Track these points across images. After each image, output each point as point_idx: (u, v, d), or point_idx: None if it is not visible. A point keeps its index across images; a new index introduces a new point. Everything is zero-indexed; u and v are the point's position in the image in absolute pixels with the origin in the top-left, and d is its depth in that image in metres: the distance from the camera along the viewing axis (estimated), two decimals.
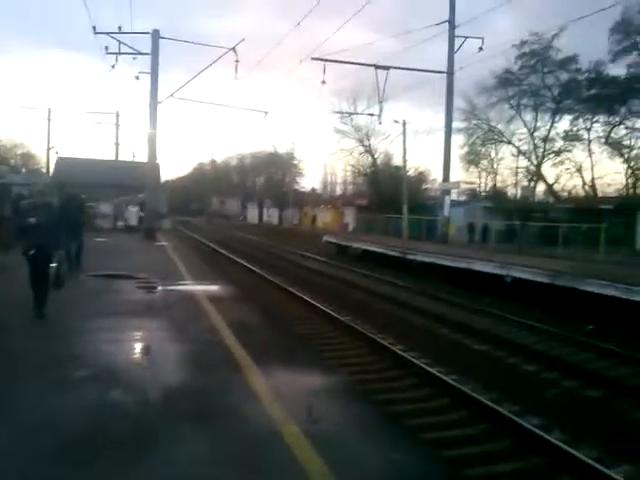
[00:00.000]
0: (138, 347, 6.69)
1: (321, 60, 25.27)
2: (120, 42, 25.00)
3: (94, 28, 24.23)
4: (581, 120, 48.02)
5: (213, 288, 11.91)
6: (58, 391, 4.86)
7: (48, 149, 46.71)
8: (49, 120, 46.01)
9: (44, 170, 48.85)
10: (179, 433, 4.10)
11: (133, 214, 29.86)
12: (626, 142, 45.85)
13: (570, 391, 7.42)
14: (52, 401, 4.66)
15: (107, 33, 24.72)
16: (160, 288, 11.27)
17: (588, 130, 48.17)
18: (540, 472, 4.94)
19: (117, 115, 48.15)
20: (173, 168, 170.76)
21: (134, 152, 58.28)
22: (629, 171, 46.38)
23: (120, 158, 49.21)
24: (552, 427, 6.00)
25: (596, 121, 47.17)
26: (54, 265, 7.89)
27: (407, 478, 3.68)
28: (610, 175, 50.27)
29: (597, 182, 49.07)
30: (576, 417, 6.38)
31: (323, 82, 25.54)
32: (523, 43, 44.10)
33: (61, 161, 41.66)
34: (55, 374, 5.32)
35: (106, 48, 24.98)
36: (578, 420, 6.27)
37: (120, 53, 25.39)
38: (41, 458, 3.63)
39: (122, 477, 3.43)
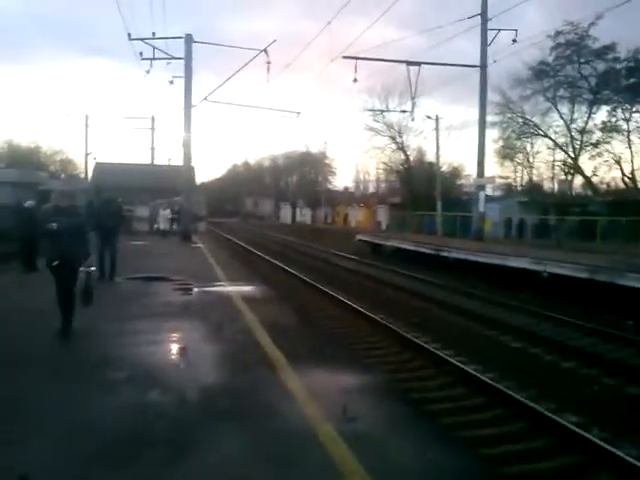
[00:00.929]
0: (175, 348, 6.82)
1: (352, 58, 25.24)
2: (154, 47, 25.45)
3: (129, 35, 24.72)
4: (620, 110, 46.75)
5: (248, 289, 12.04)
6: (99, 392, 4.99)
7: (86, 155, 47.88)
8: (87, 126, 47.14)
9: (82, 175, 50.07)
10: (215, 432, 4.18)
11: (163, 218, 28.94)
12: None
13: (610, 388, 7.27)
14: (94, 402, 4.80)
15: (141, 39, 25.19)
16: (196, 290, 11.44)
17: (627, 120, 46.89)
18: (576, 470, 4.87)
19: (152, 120, 48.99)
20: (208, 170, 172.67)
21: (169, 156, 59.40)
22: None
23: (156, 162, 50.06)
24: (591, 425, 5.91)
25: (635, 111, 45.87)
26: (82, 276, 7.06)
27: (442, 476, 3.67)
28: None
29: (637, 174, 47.73)
30: (616, 414, 6.26)
31: (355, 80, 25.53)
32: (558, 33, 43.16)
33: (99, 166, 42.63)
34: (94, 376, 5.47)
35: (141, 54, 25.45)
36: (618, 417, 6.15)
37: (154, 58, 25.84)
38: (85, 456, 3.75)
39: (162, 476, 3.51)
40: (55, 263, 6.82)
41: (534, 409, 6.05)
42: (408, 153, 52.91)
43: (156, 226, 28.83)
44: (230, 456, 3.82)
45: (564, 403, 6.56)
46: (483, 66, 27.05)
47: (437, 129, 37.01)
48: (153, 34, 25.27)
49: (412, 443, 4.17)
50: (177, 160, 49.04)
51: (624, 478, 4.67)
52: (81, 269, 7.04)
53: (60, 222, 6.72)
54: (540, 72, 46.85)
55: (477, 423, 5.91)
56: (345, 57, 25.22)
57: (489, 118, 36.97)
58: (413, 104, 29.14)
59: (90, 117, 48.17)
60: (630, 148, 47.34)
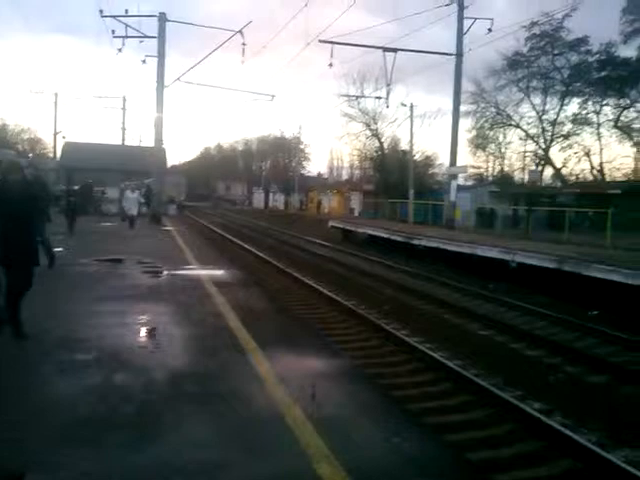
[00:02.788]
0: (143, 331, 6.74)
1: (329, 42, 25.05)
2: (127, 25, 24.93)
3: (101, 11, 24.18)
4: (590, 103, 47.53)
5: (218, 273, 11.96)
6: (63, 374, 4.91)
7: (55, 134, 46.79)
8: (56, 105, 46.04)
9: (51, 155, 48.97)
10: (183, 416, 4.15)
11: (131, 201, 22.62)
12: (636, 125, 45.38)
13: (573, 376, 7.44)
14: (57, 384, 4.72)
15: (113, 16, 24.64)
16: (165, 273, 11.33)
17: (597, 113, 47.70)
18: (539, 456, 4.97)
19: (124, 99, 48.19)
20: (180, 153, 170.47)
21: (141, 137, 58.55)
22: (638, 155, 46.00)
23: (127, 143, 49.26)
24: (554, 411, 6.05)
25: (606, 104, 46.70)
26: None
27: (409, 460, 3.71)
28: (619, 159, 49.91)
29: (605, 166, 48.70)
30: (578, 401, 6.41)
31: (330, 65, 25.33)
32: (533, 24, 43.51)
33: (68, 146, 41.78)
34: (60, 357, 5.37)
35: (112, 32, 24.92)
36: (580, 404, 6.30)
37: (127, 37, 25.32)
38: (49, 437, 3.69)
39: (126, 459, 3.47)
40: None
41: (500, 396, 6.15)
42: (382, 140, 53.01)
43: (124, 211, 23.31)
44: (197, 440, 3.80)
45: (529, 390, 6.69)
46: (459, 54, 27.14)
47: (411, 117, 37.11)
48: (126, 11, 24.80)
49: (379, 428, 4.20)
50: (148, 141, 48.38)
51: (584, 463, 4.78)
52: None
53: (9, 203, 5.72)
54: (514, 62, 47.27)
55: (444, 409, 5.99)
56: (321, 41, 25.01)
57: (463, 107, 37.26)
58: (388, 91, 29.14)
59: (60, 95, 47.14)
60: (599, 140, 48.24)
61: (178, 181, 51.74)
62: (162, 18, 25.90)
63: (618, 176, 46.75)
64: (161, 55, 26.16)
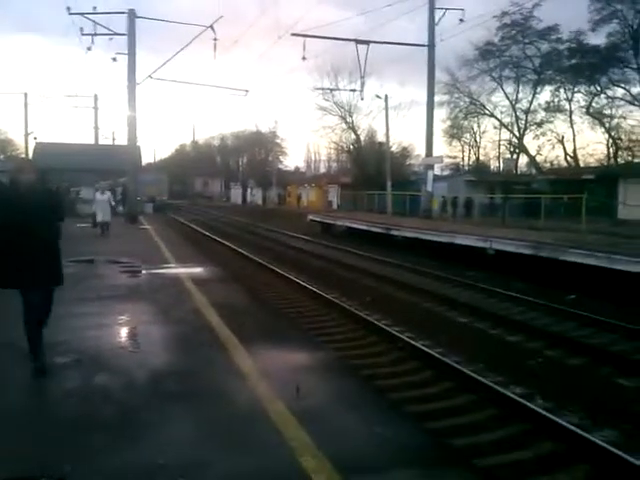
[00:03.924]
0: (123, 331, 6.68)
1: (301, 36, 25.03)
2: (95, 23, 24.59)
3: (68, 8, 23.78)
4: (562, 91, 48.29)
5: (198, 270, 11.88)
6: (41, 378, 4.84)
7: (26, 134, 45.99)
8: (26, 105, 45.27)
9: (23, 156, 48.11)
10: (165, 414, 4.12)
11: (102, 204, 19.30)
12: (607, 112, 46.24)
13: (552, 360, 7.54)
14: (37, 387, 4.66)
15: (81, 14, 24.28)
16: (144, 272, 11.22)
17: (569, 101, 48.45)
18: (521, 439, 5.03)
19: (95, 98, 47.46)
20: (155, 150, 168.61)
21: (114, 135, 57.60)
22: (610, 141, 46.79)
23: (100, 142, 48.60)
24: (534, 395, 6.13)
25: (577, 91, 47.46)
26: None
27: (392, 449, 3.73)
28: (592, 145, 50.77)
29: (579, 153, 49.55)
30: (558, 384, 6.50)
31: (304, 58, 25.33)
32: (504, 14, 43.91)
33: (40, 146, 41.08)
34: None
35: (81, 29, 24.56)
36: (560, 387, 6.40)
37: (96, 34, 25.02)
38: (30, 440, 3.64)
39: (108, 459, 3.44)
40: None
41: (481, 382, 6.21)
42: (358, 133, 53.18)
43: (94, 215, 19.77)
44: (181, 438, 3.78)
45: (509, 376, 6.77)
46: (431, 45, 27.27)
47: (386, 109, 37.24)
48: (94, 8, 24.42)
49: (362, 418, 4.22)
50: (122, 140, 47.79)
51: (566, 445, 4.86)
52: None
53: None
54: (486, 52, 47.69)
55: (426, 397, 6.03)
56: (293, 34, 25.02)
57: (437, 98, 37.52)
58: (362, 83, 29.26)
59: (29, 95, 46.33)
60: (572, 128, 49.02)
61: (159, 179, 50.70)
62: (131, 15, 25.58)
63: (591, 162, 47.60)
64: (131, 52, 25.84)
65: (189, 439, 3.77)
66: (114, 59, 26.24)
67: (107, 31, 25.29)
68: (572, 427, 5.04)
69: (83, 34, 24.79)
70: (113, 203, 20.79)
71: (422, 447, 3.90)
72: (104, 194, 19.64)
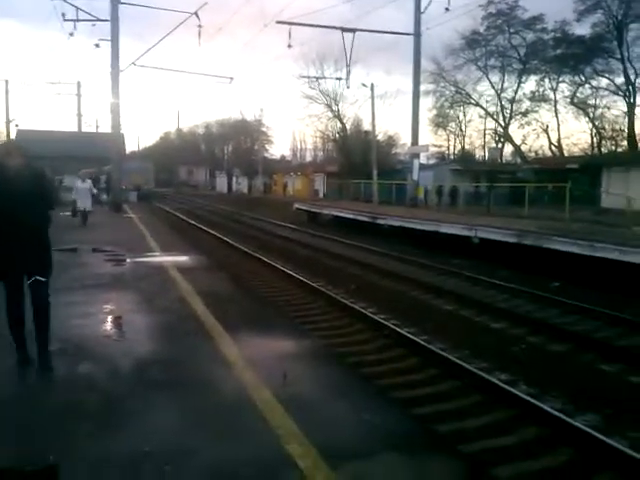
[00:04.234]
0: (107, 320, 6.62)
1: (286, 23, 24.82)
2: (77, 8, 24.20)
3: None
4: (547, 80, 48.53)
5: (183, 259, 11.81)
6: (26, 366, 4.79)
7: (8, 122, 45.26)
8: (7, 92, 44.52)
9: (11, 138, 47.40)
10: (150, 403, 4.10)
11: (82, 192, 18.10)
12: (591, 102, 46.59)
13: (536, 346, 7.61)
14: (21, 376, 4.61)
15: None
16: (129, 260, 11.14)
17: (554, 90, 48.71)
18: (505, 425, 5.08)
19: (78, 85, 46.85)
20: (139, 138, 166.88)
21: (97, 123, 56.90)
22: (594, 130, 47.15)
23: (83, 129, 48.02)
24: (519, 381, 6.20)
25: (562, 81, 47.73)
26: None
27: (379, 435, 3.74)
28: (576, 135, 51.17)
29: (563, 142, 49.89)
30: (542, 371, 6.57)
31: (289, 46, 25.13)
32: (489, 3, 43.97)
33: (21, 134, 40.55)
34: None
35: (63, 15, 24.15)
36: (543, 373, 6.46)
37: (78, 20, 24.66)
38: (13, 428, 3.61)
39: (93, 447, 3.41)
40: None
41: (466, 368, 6.26)
42: (344, 121, 53.01)
43: (74, 203, 18.42)
44: (166, 426, 3.76)
45: (494, 362, 6.83)
46: (417, 34, 27.20)
47: (372, 97, 37.09)
48: None
49: (349, 405, 4.22)
50: (105, 127, 47.22)
51: (549, 429, 4.91)
52: None
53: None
54: (472, 41, 47.74)
55: (412, 384, 6.06)
56: (279, 22, 24.81)
57: (423, 87, 37.53)
58: (348, 71, 29.09)
59: (10, 82, 45.56)
60: (557, 117, 49.33)
61: (145, 167, 48.71)
62: (115, 0, 25.17)
63: (575, 151, 47.96)
64: (115, 39, 25.47)
65: (174, 427, 3.75)
66: (97, 45, 25.84)
67: (90, 17, 24.94)
68: (555, 412, 5.11)
69: (65, 20, 24.42)
70: (95, 191, 19.87)
71: (409, 433, 3.92)
72: (85, 182, 18.62)
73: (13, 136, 42.76)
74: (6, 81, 44.65)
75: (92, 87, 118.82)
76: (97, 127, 54.88)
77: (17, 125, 44.71)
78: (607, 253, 11.05)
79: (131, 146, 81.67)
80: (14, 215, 4.46)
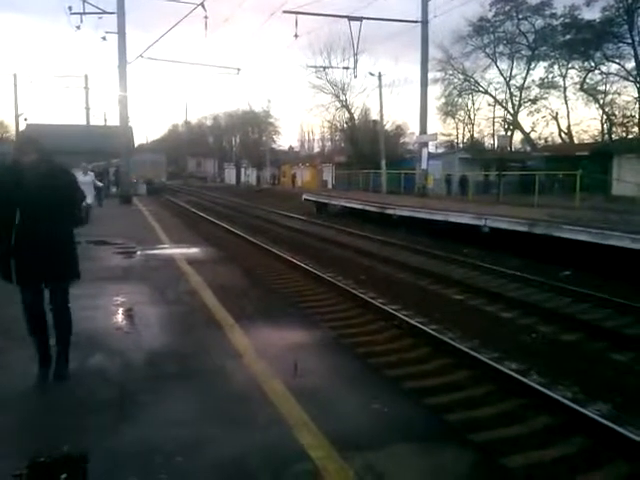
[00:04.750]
0: (119, 312, 6.67)
1: (293, 13, 24.69)
2: (84, 1, 24.18)
3: None
4: (556, 67, 48.03)
5: (193, 251, 11.85)
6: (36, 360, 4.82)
7: (17, 116, 45.40)
8: (15, 86, 44.57)
9: (14, 138, 47.64)
10: (162, 394, 4.13)
11: (85, 187, 12.39)
12: (601, 88, 46.03)
13: (547, 335, 7.59)
14: (32, 369, 4.65)
15: None
16: (139, 253, 11.20)
17: (563, 77, 48.22)
18: (516, 414, 5.08)
19: (86, 78, 46.80)
20: (147, 131, 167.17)
21: (105, 116, 56.94)
22: (604, 117, 46.66)
23: (91, 123, 48.09)
24: (530, 371, 6.18)
25: (571, 67, 47.22)
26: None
27: (390, 425, 3.76)
28: (586, 121, 50.76)
29: (573, 129, 49.44)
30: (553, 360, 6.55)
31: (296, 36, 24.99)
32: None
33: (30, 128, 40.68)
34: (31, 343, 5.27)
35: (69, 8, 24.15)
36: (554, 362, 6.45)
37: (85, 13, 24.64)
38: (31, 421, 3.65)
39: (107, 439, 3.45)
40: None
41: (477, 358, 6.26)
42: (352, 111, 52.75)
43: None
44: (178, 417, 3.79)
45: (504, 351, 6.82)
46: (424, 21, 26.99)
47: (380, 86, 36.94)
48: None
49: (360, 395, 4.24)
50: (113, 120, 47.29)
51: (560, 418, 4.91)
52: None
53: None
54: (480, 28, 47.31)
55: (423, 374, 6.07)
56: (285, 11, 24.69)
57: (431, 75, 37.30)
58: (355, 60, 28.95)
59: (19, 76, 45.59)
60: (566, 104, 48.86)
61: (157, 159, 47.37)
62: None
63: (585, 138, 47.51)
64: (121, 31, 25.46)
65: (186, 418, 3.78)
66: (104, 38, 25.85)
67: (96, 10, 24.93)
68: (566, 401, 5.10)
69: (72, 13, 24.43)
70: (99, 184, 18.89)
71: (420, 423, 3.93)
72: (87, 175, 17.40)
73: (22, 130, 42.99)
74: (14, 75, 44.77)
75: (99, 80, 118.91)
76: (105, 120, 55.01)
77: (26, 119, 44.85)
78: (618, 241, 10.97)
79: (139, 139, 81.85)
80: (27, 215, 4.10)
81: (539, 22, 46.11)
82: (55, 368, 4.45)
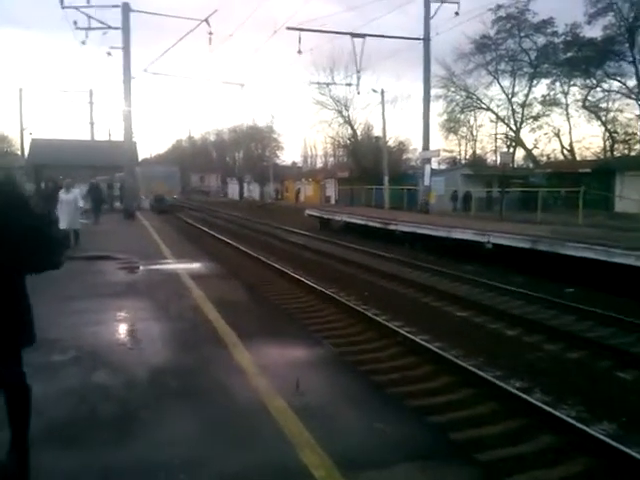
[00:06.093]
0: (122, 328, 6.66)
1: (296, 29, 24.91)
2: (89, 17, 24.39)
3: (61, 1, 23.54)
4: (558, 84, 48.25)
5: (196, 266, 11.84)
6: (40, 376, 4.81)
7: (22, 131, 45.76)
8: (21, 101, 44.99)
9: (19, 153, 47.90)
10: (165, 411, 4.11)
11: (67, 206, 14.00)
12: (603, 105, 46.17)
13: (551, 354, 7.54)
14: (34, 386, 4.63)
15: (75, 7, 24.07)
16: (142, 268, 11.20)
17: (565, 94, 48.42)
18: (520, 433, 5.04)
19: (90, 93, 47.20)
20: (151, 146, 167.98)
21: (110, 131, 57.39)
22: (606, 134, 46.77)
23: (96, 137, 48.41)
24: (534, 389, 6.14)
25: (573, 85, 47.41)
26: None
27: (393, 444, 3.72)
28: (588, 138, 50.82)
29: (575, 146, 49.52)
30: (557, 378, 6.51)
31: (299, 52, 25.23)
32: (499, 7, 43.87)
33: (35, 142, 40.93)
34: (36, 359, 5.26)
35: (75, 23, 24.35)
36: (558, 381, 6.40)
37: (90, 28, 24.78)
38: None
39: (109, 457, 3.42)
40: None
41: (481, 377, 6.22)
42: (355, 127, 52.99)
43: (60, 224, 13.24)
44: (181, 435, 3.76)
45: (509, 370, 6.77)
46: (426, 39, 27.18)
47: (382, 103, 37.15)
48: (87, 1, 24.22)
49: (363, 414, 4.21)
50: (118, 135, 47.51)
51: (565, 437, 4.86)
52: None
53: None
54: (482, 45, 47.61)
55: (426, 392, 6.03)
56: (289, 28, 24.92)
57: (433, 91, 37.50)
58: (358, 77, 29.15)
59: (24, 91, 46.05)
60: (568, 121, 49.02)
61: (171, 173, 42.51)
62: (126, 8, 25.39)
63: (588, 155, 47.58)
64: (126, 47, 25.67)
65: (189, 436, 3.75)
66: (109, 53, 26.03)
67: (101, 25, 25.13)
68: (571, 420, 5.06)
69: (77, 28, 24.61)
70: (81, 204, 14.93)
71: (423, 441, 3.90)
72: (69, 192, 14.37)
73: (27, 145, 43.23)
74: (20, 90, 45.17)
75: (104, 95, 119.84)
76: (109, 135, 55.36)
77: (31, 134, 45.15)
78: (623, 259, 10.93)
79: (143, 154, 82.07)
80: None
81: (541, 40, 46.48)
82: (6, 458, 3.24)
